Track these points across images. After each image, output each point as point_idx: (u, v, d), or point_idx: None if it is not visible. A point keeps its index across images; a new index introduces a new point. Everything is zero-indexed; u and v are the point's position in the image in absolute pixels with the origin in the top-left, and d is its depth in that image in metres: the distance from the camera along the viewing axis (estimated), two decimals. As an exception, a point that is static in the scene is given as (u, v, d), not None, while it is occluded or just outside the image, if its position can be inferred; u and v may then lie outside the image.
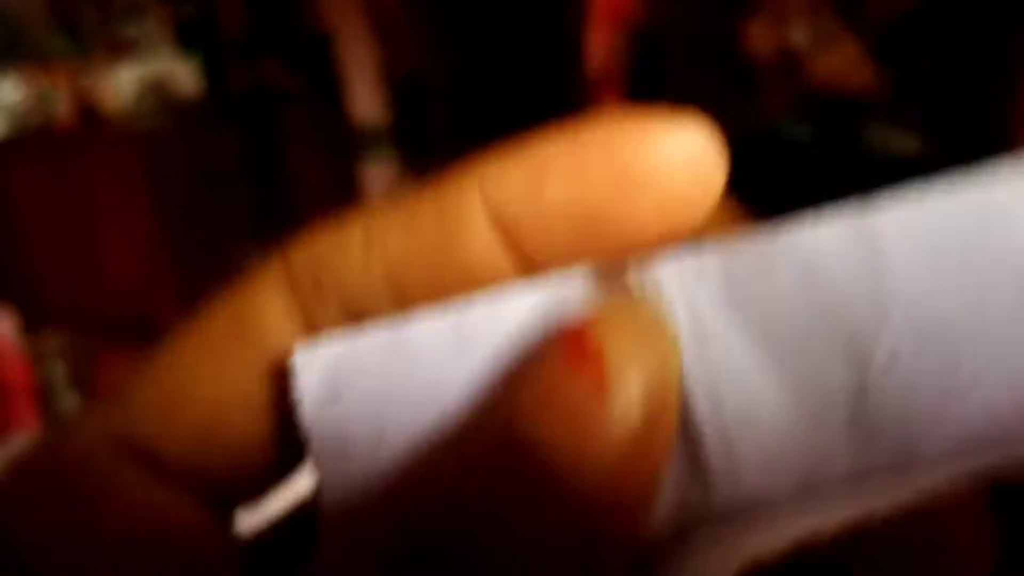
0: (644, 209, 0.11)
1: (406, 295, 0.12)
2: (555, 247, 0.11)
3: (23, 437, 1.00)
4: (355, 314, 0.12)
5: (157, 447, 0.12)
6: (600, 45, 2.79)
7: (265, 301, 0.12)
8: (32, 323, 2.50)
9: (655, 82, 2.77)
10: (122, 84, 2.52)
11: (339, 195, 2.89)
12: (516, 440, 0.10)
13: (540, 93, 2.82)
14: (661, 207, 0.10)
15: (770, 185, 1.77)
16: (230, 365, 0.12)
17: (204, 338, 0.12)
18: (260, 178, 2.63)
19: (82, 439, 0.12)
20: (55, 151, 2.42)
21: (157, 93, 2.55)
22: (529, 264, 0.11)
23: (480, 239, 0.11)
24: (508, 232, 0.11)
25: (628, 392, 0.09)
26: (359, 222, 0.12)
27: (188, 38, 2.72)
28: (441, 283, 0.11)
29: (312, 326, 0.12)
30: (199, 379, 0.12)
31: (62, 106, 2.44)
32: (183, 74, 2.62)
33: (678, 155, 0.10)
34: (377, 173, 3.37)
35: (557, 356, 0.10)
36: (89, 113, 2.51)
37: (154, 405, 0.12)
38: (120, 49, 2.61)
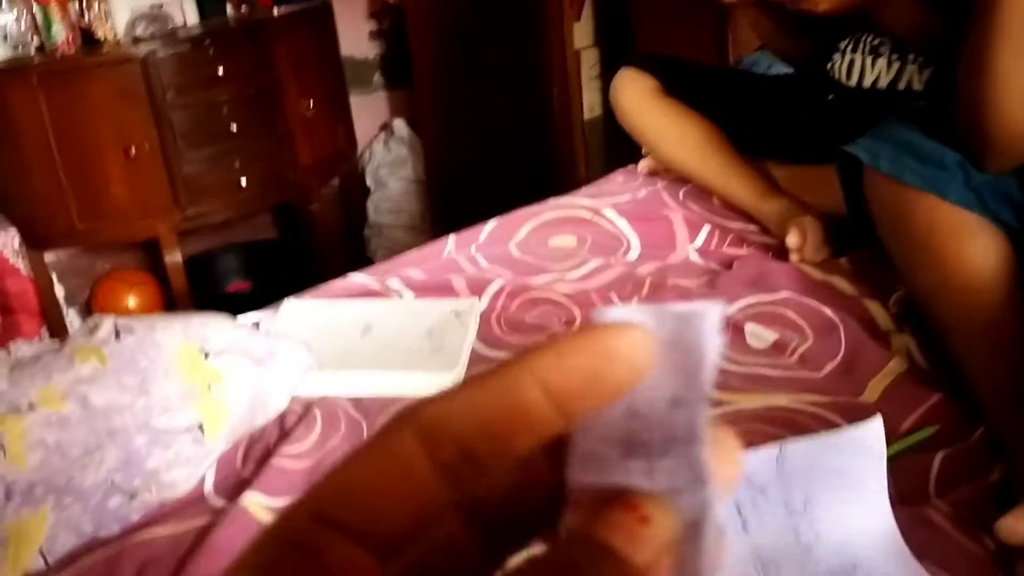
0: (622, 371, 0.21)
1: (492, 435, 0.21)
2: (575, 396, 0.21)
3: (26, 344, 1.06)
4: (461, 446, 0.21)
5: (343, 517, 0.21)
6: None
7: (405, 438, 0.21)
8: (35, 242, 2.54)
9: (624, 19, 2.77)
10: (118, 12, 2.52)
11: (330, 123, 2.90)
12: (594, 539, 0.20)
13: (514, 29, 2.82)
14: (630, 369, 0.21)
15: (746, 115, 1.79)
16: (387, 470, 0.21)
17: (369, 456, 0.21)
18: (255, 107, 2.64)
19: (294, 512, 0.21)
20: (55, 76, 2.41)
21: (152, 21, 2.54)
22: (564, 410, 0.21)
23: (533, 397, 0.21)
24: (550, 391, 0.21)
25: (661, 525, 0.21)
26: (457, 391, 0.21)
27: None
28: (509, 426, 0.21)
29: (433, 452, 0.21)
30: (368, 479, 0.21)
31: (61, 33, 2.44)
32: (178, 3, 2.61)
33: (636, 343, 0.21)
34: (365, 102, 3.38)
35: (622, 506, 0.21)
36: (87, 39, 2.50)
37: (343, 492, 0.21)
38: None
